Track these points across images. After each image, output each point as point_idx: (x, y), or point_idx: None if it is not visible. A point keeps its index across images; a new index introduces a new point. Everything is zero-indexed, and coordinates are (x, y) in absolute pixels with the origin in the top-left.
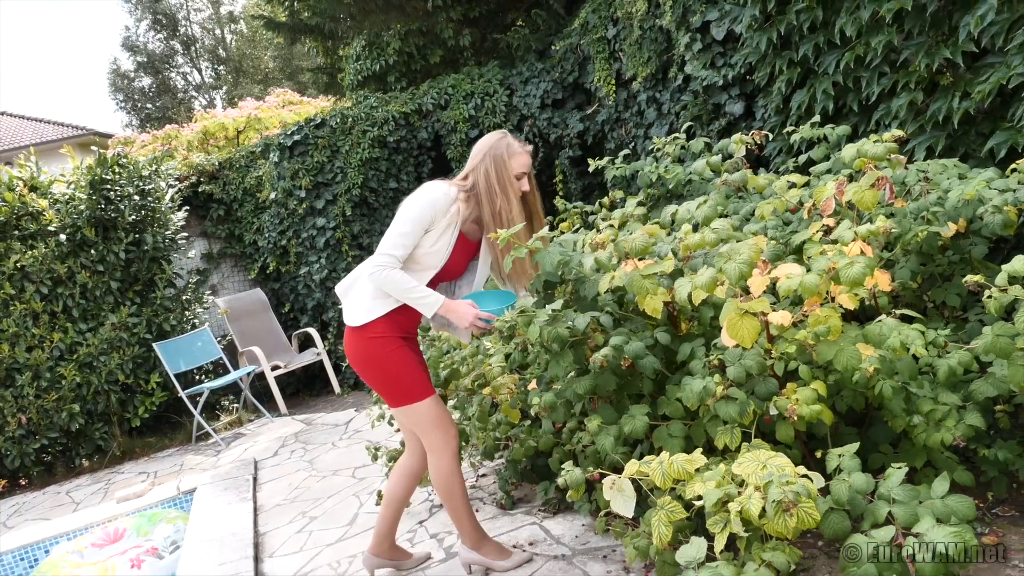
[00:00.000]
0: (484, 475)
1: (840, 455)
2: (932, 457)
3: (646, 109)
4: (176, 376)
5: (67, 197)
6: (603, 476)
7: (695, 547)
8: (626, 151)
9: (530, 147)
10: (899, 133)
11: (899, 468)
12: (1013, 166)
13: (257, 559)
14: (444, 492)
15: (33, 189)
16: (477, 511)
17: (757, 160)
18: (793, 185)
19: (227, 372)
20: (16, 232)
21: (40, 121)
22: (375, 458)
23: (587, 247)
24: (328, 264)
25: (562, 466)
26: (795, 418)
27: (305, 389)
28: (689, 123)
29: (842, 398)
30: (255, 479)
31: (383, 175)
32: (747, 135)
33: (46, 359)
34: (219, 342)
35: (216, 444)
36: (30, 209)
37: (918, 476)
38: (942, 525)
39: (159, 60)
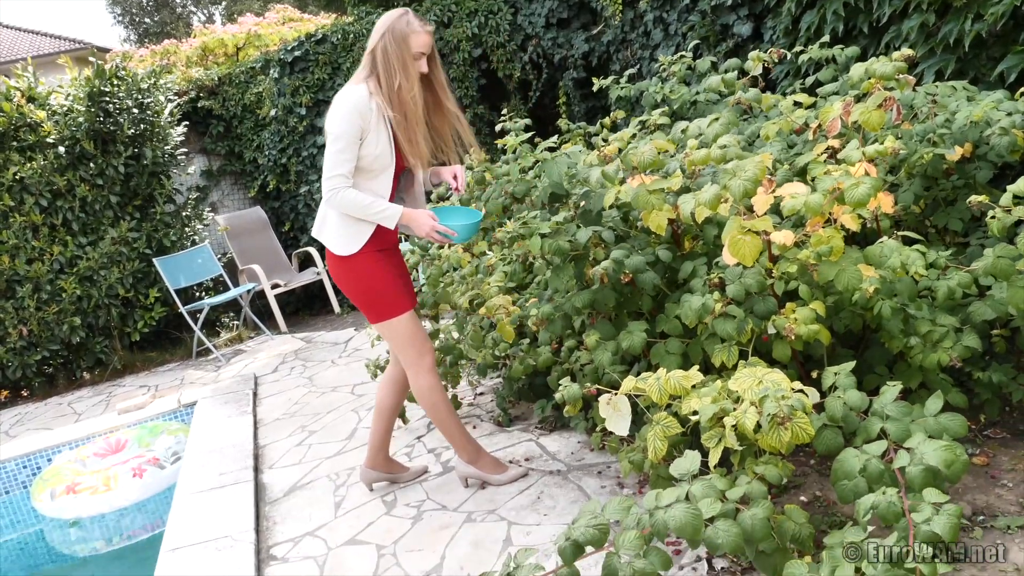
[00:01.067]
0: (482, 393)
1: (836, 373)
2: (927, 378)
3: (653, 30)
4: (176, 292)
5: (65, 109)
6: (600, 392)
7: (689, 459)
8: (631, 71)
9: (431, 27)
10: (909, 52)
11: (893, 386)
12: (1023, 89)
13: (257, 470)
14: (428, 408)
15: (31, 100)
16: (474, 428)
17: (764, 83)
18: (799, 105)
19: (227, 289)
20: (14, 143)
21: (37, 33)
22: (374, 375)
23: (594, 159)
24: None
25: (560, 382)
26: (793, 337)
27: (305, 308)
28: (696, 42)
29: (840, 319)
30: (255, 394)
31: None
32: (764, 53)
33: (46, 272)
34: (219, 260)
35: (216, 360)
36: (28, 120)
37: (912, 397)
38: (933, 440)
39: None
